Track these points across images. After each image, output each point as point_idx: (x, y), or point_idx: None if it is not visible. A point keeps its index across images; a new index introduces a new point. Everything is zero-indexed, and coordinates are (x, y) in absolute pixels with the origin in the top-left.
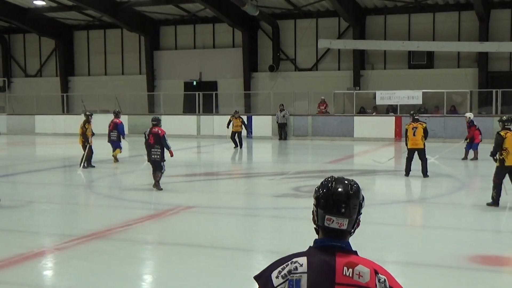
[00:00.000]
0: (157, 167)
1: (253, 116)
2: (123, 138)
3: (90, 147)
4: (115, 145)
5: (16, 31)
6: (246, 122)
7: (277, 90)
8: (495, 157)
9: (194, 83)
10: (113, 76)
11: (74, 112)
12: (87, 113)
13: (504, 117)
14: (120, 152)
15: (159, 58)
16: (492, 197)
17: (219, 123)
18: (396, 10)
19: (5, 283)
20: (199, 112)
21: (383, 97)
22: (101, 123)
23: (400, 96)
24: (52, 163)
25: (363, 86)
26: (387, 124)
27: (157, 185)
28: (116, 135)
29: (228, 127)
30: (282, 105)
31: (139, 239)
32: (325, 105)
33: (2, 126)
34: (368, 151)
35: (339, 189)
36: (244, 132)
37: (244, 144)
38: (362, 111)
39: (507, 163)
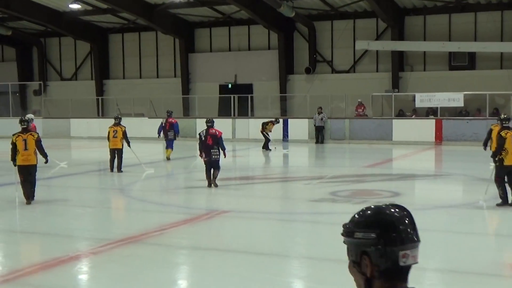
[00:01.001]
0: (217, 166)
1: (289, 120)
2: (178, 136)
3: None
4: (170, 144)
5: (52, 35)
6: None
7: (313, 93)
8: (496, 158)
9: (229, 85)
10: (148, 79)
11: (109, 115)
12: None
13: (502, 115)
14: (171, 151)
15: (194, 60)
16: (500, 196)
17: (254, 126)
18: (436, 10)
19: (41, 287)
20: (234, 115)
21: (422, 100)
22: (136, 126)
23: (441, 98)
24: (87, 167)
25: (402, 88)
26: (427, 127)
27: (215, 183)
28: (173, 134)
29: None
30: (320, 108)
31: (174, 243)
32: (362, 107)
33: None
34: (407, 155)
35: (403, 212)
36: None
37: (279, 147)
38: (401, 114)
39: (506, 163)
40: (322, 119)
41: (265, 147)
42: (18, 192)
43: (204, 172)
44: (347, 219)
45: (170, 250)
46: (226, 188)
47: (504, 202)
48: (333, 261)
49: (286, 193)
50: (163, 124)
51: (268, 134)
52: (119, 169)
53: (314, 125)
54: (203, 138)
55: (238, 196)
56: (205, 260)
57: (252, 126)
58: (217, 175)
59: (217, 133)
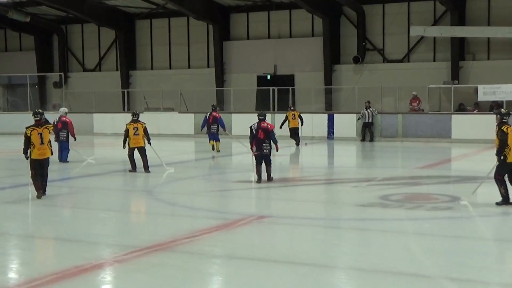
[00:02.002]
0: (269, 161)
1: (334, 115)
2: (224, 130)
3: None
4: (215, 137)
5: (74, 22)
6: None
7: (362, 85)
8: (501, 156)
9: (268, 77)
10: (178, 70)
11: (135, 110)
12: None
13: (503, 110)
14: (219, 143)
15: (229, 49)
16: (502, 195)
17: None
18: None
19: None
20: (273, 109)
21: (486, 92)
22: (165, 122)
23: (507, 91)
24: (112, 167)
25: (462, 80)
26: (490, 123)
27: (270, 178)
28: (216, 128)
29: (281, 127)
30: (368, 101)
31: (206, 252)
32: (417, 101)
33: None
34: (468, 155)
35: None
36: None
37: (325, 146)
38: (461, 109)
39: (509, 160)
40: (371, 114)
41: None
42: (32, 194)
43: (254, 167)
44: (399, 226)
45: (202, 259)
46: (264, 190)
47: (505, 201)
48: (384, 273)
49: (331, 196)
50: (207, 117)
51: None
52: (147, 169)
53: (359, 119)
54: (254, 132)
55: (277, 199)
56: (240, 271)
57: None
58: (271, 170)
59: (269, 126)
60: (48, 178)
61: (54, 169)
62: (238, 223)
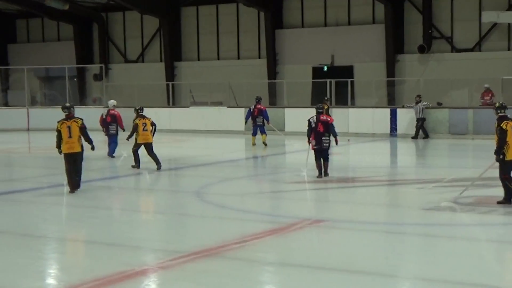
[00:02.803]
0: (327, 156)
1: (397, 110)
2: (268, 123)
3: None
4: (262, 130)
5: (115, 9)
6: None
7: (428, 76)
8: (500, 155)
9: (325, 68)
10: (227, 61)
11: (181, 104)
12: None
13: (497, 103)
14: (266, 136)
15: (282, 38)
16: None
17: (355, 118)
18: None
19: None
20: (330, 103)
21: None
22: (212, 117)
23: None
24: (155, 165)
25: None
26: None
27: (326, 173)
28: (261, 120)
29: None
30: (419, 96)
31: (258, 258)
32: (490, 94)
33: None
34: None
35: None
36: None
37: (387, 144)
38: None
39: (507, 158)
40: (422, 109)
41: None
42: (76, 195)
43: (307, 164)
44: (470, 232)
45: (253, 266)
46: (321, 192)
47: (508, 200)
48: (453, 284)
49: (394, 199)
50: (251, 110)
51: None
52: (159, 164)
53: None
54: (313, 125)
55: (335, 202)
56: (294, 279)
57: (352, 116)
58: (328, 166)
59: (329, 119)
60: (89, 177)
61: (97, 167)
62: (292, 228)
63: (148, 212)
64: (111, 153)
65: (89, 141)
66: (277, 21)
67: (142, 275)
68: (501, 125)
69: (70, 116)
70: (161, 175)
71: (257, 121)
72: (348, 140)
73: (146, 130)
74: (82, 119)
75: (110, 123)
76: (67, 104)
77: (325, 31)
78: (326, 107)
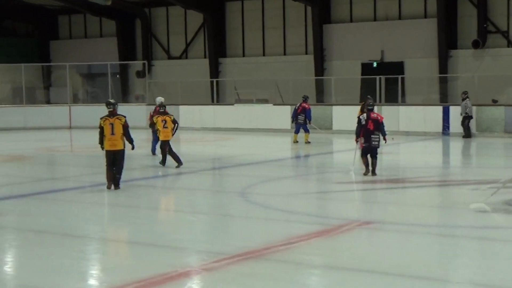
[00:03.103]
0: (376, 154)
1: (450, 107)
2: (309, 122)
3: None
4: (304, 128)
5: (158, 4)
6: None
7: (483, 73)
8: None
9: (374, 64)
10: (273, 57)
11: (225, 101)
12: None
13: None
14: (308, 134)
15: (330, 33)
16: None
17: (405, 116)
18: None
19: None
20: (380, 101)
21: None
22: (258, 115)
23: None
24: (200, 165)
25: None
26: None
27: (374, 172)
28: (303, 118)
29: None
30: (465, 92)
31: (304, 261)
32: None
33: (141, 119)
34: None
35: None
36: None
37: (439, 143)
38: None
39: None
40: (465, 106)
41: None
42: (118, 195)
43: (354, 162)
44: None
45: (299, 269)
46: (369, 193)
47: None
48: None
49: (447, 200)
50: (296, 108)
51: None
52: (180, 163)
53: (461, 114)
54: (364, 122)
55: (384, 203)
56: (342, 283)
57: (402, 114)
58: (376, 164)
59: (379, 117)
60: (131, 176)
61: (139, 166)
62: (340, 229)
63: (191, 212)
64: (152, 150)
65: (130, 140)
66: (325, 15)
67: (185, 277)
68: None
69: (113, 113)
70: (205, 175)
71: (299, 119)
72: (392, 138)
73: (166, 128)
74: (125, 117)
75: None
76: (111, 100)
77: (375, 26)
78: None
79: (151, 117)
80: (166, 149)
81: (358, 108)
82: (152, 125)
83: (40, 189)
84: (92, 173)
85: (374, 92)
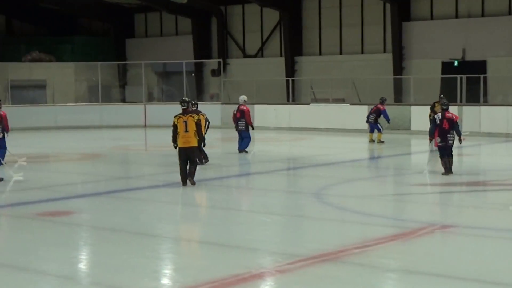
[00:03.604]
0: (451, 153)
1: None
2: (388, 122)
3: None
4: (375, 127)
5: (234, 2)
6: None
7: None
8: None
9: (456, 63)
10: (350, 56)
11: (301, 101)
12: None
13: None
14: (381, 134)
15: (410, 31)
16: None
17: (487, 116)
18: None
19: None
20: (461, 101)
21: None
22: (334, 114)
23: None
24: (274, 165)
25: None
26: None
27: (451, 170)
28: (373, 118)
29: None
30: None
31: (380, 264)
32: None
33: (216, 118)
34: None
35: None
36: None
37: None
38: None
39: None
40: None
41: None
42: (192, 194)
43: (428, 161)
44: None
45: (375, 273)
46: (449, 195)
47: None
48: None
49: None
50: (371, 108)
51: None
52: (206, 161)
53: None
54: (438, 122)
55: (463, 206)
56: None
57: (484, 115)
58: (452, 163)
59: (454, 117)
60: (206, 176)
61: (213, 165)
62: (417, 233)
63: (265, 213)
64: (242, 147)
65: (201, 138)
66: (404, 13)
67: (258, 279)
68: None
69: (187, 111)
70: (279, 175)
71: (370, 118)
72: (467, 133)
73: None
74: (198, 115)
75: (239, 118)
76: (185, 99)
77: (456, 23)
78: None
79: (234, 116)
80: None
81: (455, 108)
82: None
83: (115, 187)
84: (166, 172)
85: (455, 92)
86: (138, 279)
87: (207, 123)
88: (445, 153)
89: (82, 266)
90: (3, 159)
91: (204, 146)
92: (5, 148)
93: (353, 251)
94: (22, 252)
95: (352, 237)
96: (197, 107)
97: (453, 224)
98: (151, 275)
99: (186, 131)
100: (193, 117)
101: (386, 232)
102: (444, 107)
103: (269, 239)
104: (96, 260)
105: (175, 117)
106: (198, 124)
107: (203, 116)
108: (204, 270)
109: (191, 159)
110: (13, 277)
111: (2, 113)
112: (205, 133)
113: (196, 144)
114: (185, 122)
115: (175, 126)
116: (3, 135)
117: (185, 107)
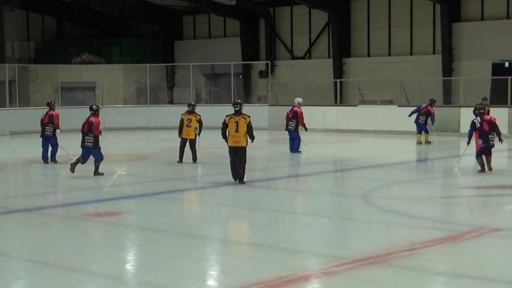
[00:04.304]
0: (491, 152)
1: None
2: (432, 123)
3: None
4: (423, 128)
5: (282, 3)
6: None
7: None
8: None
9: (506, 64)
10: (399, 57)
11: (349, 102)
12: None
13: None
14: (428, 135)
15: (460, 32)
16: None
17: None
18: None
19: None
20: (511, 103)
21: None
22: (382, 116)
23: None
24: (321, 166)
25: None
26: None
27: (490, 166)
28: (424, 119)
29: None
30: None
31: (428, 268)
32: None
33: (263, 119)
34: None
35: None
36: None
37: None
38: None
39: None
40: None
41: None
42: (239, 196)
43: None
44: None
45: (423, 276)
46: (499, 198)
47: None
48: None
49: None
50: (421, 108)
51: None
52: (195, 161)
53: None
54: (478, 126)
55: None
56: None
57: None
58: (491, 159)
59: (492, 119)
60: (253, 178)
61: (261, 167)
62: (466, 236)
63: (312, 215)
64: (294, 149)
65: (252, 137)
66: (455, 13)
67: (304, 281)
68: None
69: (239, 112)
70: (326, 177)
71: (420, 119)
72: (508, 135)
73: (190, 126)
74: (249, 116)
75: (291, 119)
76: (238, 101)
77: (508, 24)
78: (487, 108)
79: (287, 116)
80: (184, 146)
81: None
82: (180, 123)
83: (162, 188)
84: (214, 173)
85: (505, 93)
86: (184, 280)
87: (199, 124)
88: (486, 153)
89: (129, 266)
90: (55, 156)
91: (252, 141)
92: (57, 145)
93: (400, 254)
94: (70, 252)
95: (399, 239)
96: (193, 108)
97: (502, 228)
98: (197, 276)
99: (237, 131)
100: (244, 118)
101: (434, 235)
102: (481, 111)
103: (315, 241)
104: (143, 260)
105: (227, 116)
106: (249, 126)
107: (196, 117)
108: (250, 272)
109: (239, 157)
110: (61, 277)
111: (54, 113)
112: (198, 134)
113: (245, 144)
114: (237, 122)
115: (225, 125)
116: (54, 134)
117: (238, 108)
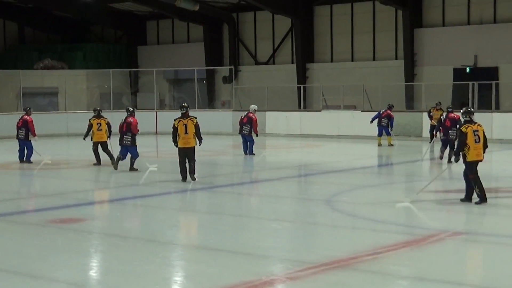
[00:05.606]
0: (452, 145)
1: None
2: (391, 128)
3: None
4: (386, 131)
5: (246, 9)
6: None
7: None
8: (458, 157)
9: (468, 69)
10: (362, 62)
11: (312, 108)
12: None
13: (464, 108)
14: (391, 137)
15: (422, 38)
16: (478, 195)
17: (499, 123)
18: None
19: None
20: (473, 108)
21: None
22: (345, 121)
23: None
24: (285, 171)
25: None
26: None
27: (450, 160)
28: (386, 122)
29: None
30: None
31: (392, 271)
32: None
33: (227, 125)
34: None
35: None
36: None
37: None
38: None
39: (468, 159)
40: None
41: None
42: (202, 202)
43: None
44: None
45: (387, 280)
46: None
47: (482, 200)
48: None
49: None
50: (381, 112)
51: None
52: (112, 162)
53: None
54: (442, 121)
55: (477, 213)
56: None
57: (496, 121)
58: (452, 154)
59: (455, 116)
60: (216, 183)
61: (224, 172)
62: (428, 240)
63: (276, 220)
64: (250, 151)
65: (200, 138)
66: (416, 19)
67: (269, 286)
68: (461, 129)
69: (186, 115)
70: (290, 182)
71: (382, 122)
72: None
73: (101, 130)
74: (196, 118)
75: (245, 123)
76: (185, 104)
77: (468, 30)
78: (439, 113)
79: (241, 120)
80: (97, 149)
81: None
82: (89, 127)
83: (126, 194)
84: (178, 179)
85: (467, 98)
86: (148, 286)
87: (108, 126)
88: (446, 145)
89: (93, 273)
90: (30, 158)
91: (199, 145)
92: (31, 148)
93: (364, 258)
94: (33, 259)
95: (363, 244)
96: (99, 112)
97: (464, 231)
98: (162, 282)
99: (186, 133)
100: (192, 120)
101: (397, 239)
102: (449, 109)
103: (280, 246)
104: (107, 267)
105: (175, 120)
106: (197, 127)
107: (105, 120)
108: (215, 277)
109: (190, 157)
110: (24, 284)
111: (29, 118)
112: (109, 136)
113: (195, 145)
114: (185, 125)
115: (175, 129)
116: (27, 138)
117: (184, 111)
